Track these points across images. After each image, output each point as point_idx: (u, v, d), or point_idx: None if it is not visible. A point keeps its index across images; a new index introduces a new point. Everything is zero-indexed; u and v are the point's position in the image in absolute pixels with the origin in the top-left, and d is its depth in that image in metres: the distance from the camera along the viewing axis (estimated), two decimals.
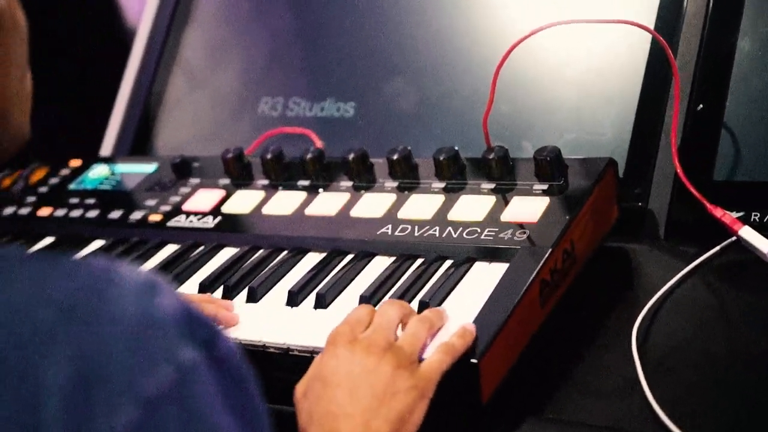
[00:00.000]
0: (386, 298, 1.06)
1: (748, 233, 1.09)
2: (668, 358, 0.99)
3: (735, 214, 1.12)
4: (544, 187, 1.14)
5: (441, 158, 1.20)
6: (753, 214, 1.13)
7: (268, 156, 1.31)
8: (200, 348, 0.61)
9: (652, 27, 1.23)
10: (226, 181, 1.34)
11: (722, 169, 1.17)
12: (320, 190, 1.26)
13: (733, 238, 1.11)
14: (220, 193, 1.32)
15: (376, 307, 0.99)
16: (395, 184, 1.23)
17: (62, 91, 2.01)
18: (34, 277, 0.60)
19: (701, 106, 1.20)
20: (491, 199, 1.15)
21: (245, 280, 1.15)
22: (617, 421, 0.92)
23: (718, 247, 1.11)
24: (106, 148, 1.63)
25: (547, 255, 1.04)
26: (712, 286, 1.08)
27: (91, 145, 1.68)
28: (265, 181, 1.32)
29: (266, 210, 1.26)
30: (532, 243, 1.07)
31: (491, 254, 1.08)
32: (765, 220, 1.12)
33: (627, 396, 0.94)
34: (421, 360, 0.93)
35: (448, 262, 1.10)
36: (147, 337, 0.59)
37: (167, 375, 0.58)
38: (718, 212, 1.12)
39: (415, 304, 1.03)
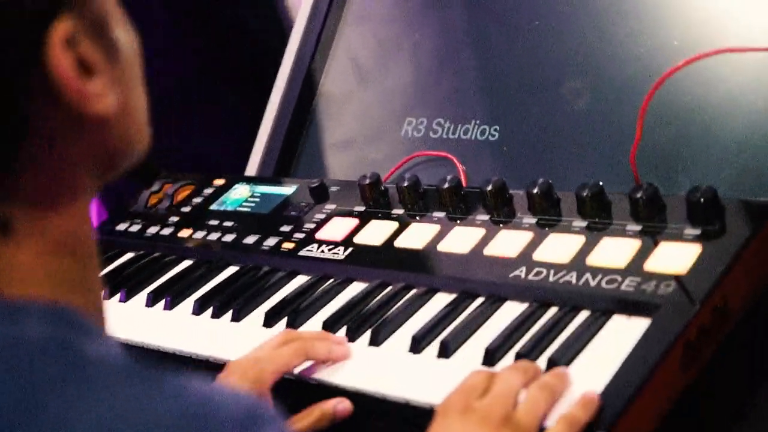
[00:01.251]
0: (513, 350, 0.97)
1: None
2: None
3: None
4: (697, 232, 1.02)
5: (584, 194, 1.11)
6: None
7: (405, 184, 1.24)
8: None
9: None
10: (361, 208, 1.29)
11: None
12: (456, 223, 1.19)
13: None
14: (353, 222, 1.26)
15: (499, 367, 0.91)
16: (534, 220, 1.14)
17: (215, 102, 2.01)
18: (125, 404, 0.57)
19: None
20: (636, 243, 1.04)
21: (369, 320, 1.09)
22: None
23: None
24: (252, 167, 1.60)
25: (695, 312, 0.93)
26: None
27: (241, 163, 1.65)
28: (401, 211, 1.25)
29: (398, 243, 1.20)
30: (678, 297, 0.96)
31: (632, 307, 0.98)
32: None
33: None
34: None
35: (583, 314, 1.00)
36: None
37: None
38: None
39: (543, 360, 0.94)
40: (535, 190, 1.14)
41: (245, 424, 0.57)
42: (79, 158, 0.67)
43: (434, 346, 1.02)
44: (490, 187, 1.17)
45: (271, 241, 1.30)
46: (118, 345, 0.67)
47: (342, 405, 1.00)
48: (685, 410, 0.91)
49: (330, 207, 1.32)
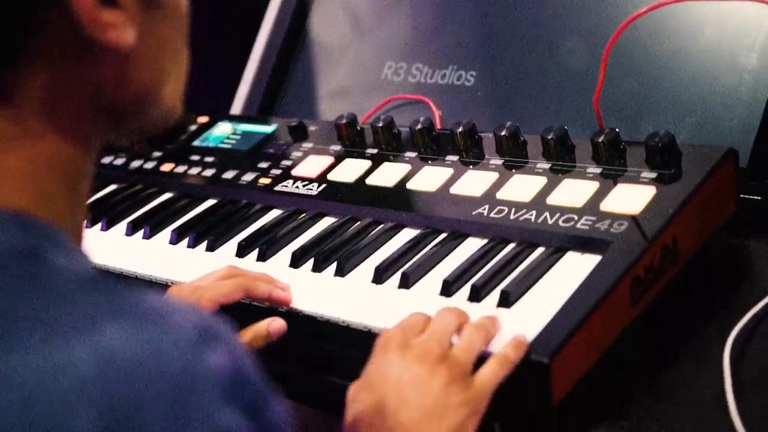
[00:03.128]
0: (469, 282, 1.00)
1: None
2: (763, 373, 0.89)
3: None
4: (653, 175, 1.05)
5: (549, 137, 1.13)
6: None
7: (379, 124, 1.27)
8: (245, 413, 0.56)
9: None
10: (337, 147, 1.31)
11: None
12: (427, 162, 1.21)
13: None
14: (329, 160, 1.29)
15: (455, 298, 0.93)
16: (501, 161, 1.16)
17: (205, 45, 2.02)
18: (84, 314, 0.57)
19: None
20: (595, 185, 1.07)
21: (336, 253, 1.12)
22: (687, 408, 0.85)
23: None
24: (237, 107, 1.62)
25: (643, 249, 0.96)
26: None
27: (225, 101, 1.67)
28: (375, 150, 1.27)
29: (370, 180, 1.22)
30: (630, 235, 0.98)
31: (585, 244, 1.01)
32: None
33: (709, 411, 0.86)
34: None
35: (539, 250, 1.03)
36: (184, 395, 0.54)
37: None
38: None
39: (497, 293, 0.97)
40: (502, 133, 1.16)
41: (190, 345, 0.56)
42: (88, 84, 0.67)
43: (396, 278, 1.05)
44: (460, 129, 1.20)
45: (248, 177, 1.32)
46: (89, 262, 0.67)
47: (275, 323, 1.02)
48: (631, 341, 0.94)
49: (308, 146, 1.34)
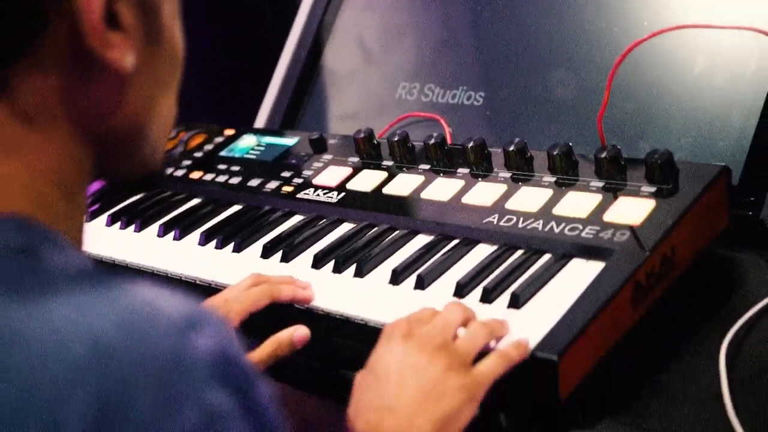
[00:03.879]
0: (481, 285, 0.99)
1: None
2: (757, 375, 0.88)
3: None
4: (652, 189, 1.04)
5: (555, 153, 1.12)
6: None
7: (395, 139, 1.26)
8: (232, 394, 0.54)
9: None
10: (355, 159, 1.30)
11: None
12: (439, 174, 1.20)
13: None
14: (347, 171, 1.27)
15: (468, 299, 0.92)
16: (509, 174, 1.15)
17: (232, 65, 2.02)
18: (78, 305, 0.55)
19: None
20: (598, 198, 1.05)
21: (355, 256, 1.10)
22: (691, 428, 0.83)
23: None
24: (261, 120, 1.61)
25: (645, 258, 0.95)
26: None
27: (251, 115, 1.66)
28: (390, 162, 1.26)
29: (386, 190, 1.21)
30: (630, 244, 0.97)
31: (590, 252, 0.99)
32: None
33: (706, 408, 0.85)
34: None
35: (546, 256, 1.02)
36: (174, 377, 0.53)
37: (191, 419, 0.52)
38: None
39: (507, 295, 0.96)
40: (511, 148, 1.15)
41: (177, 330, 0.55)
42: (86, 99, 0.64)
43: (412, 280, 1.03)
44: (471, 144, 1.19)
45: (272, 185, 1.31)
46: (87, 260, 0.64)
47: (299, 332, 1.00)
48: (632, 342, 0.93)
49: (327, 157, 1.33)
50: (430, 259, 1.07)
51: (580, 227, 1.02)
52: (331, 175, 1.28)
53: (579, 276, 0.96)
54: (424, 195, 1.17)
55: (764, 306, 0.95)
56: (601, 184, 1.08)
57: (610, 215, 1.02)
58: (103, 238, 1.31)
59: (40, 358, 0.52)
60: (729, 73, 1.16)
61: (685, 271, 1.00)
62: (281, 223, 1.24)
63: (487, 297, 0.97)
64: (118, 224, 1.34)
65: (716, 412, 0.84)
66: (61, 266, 0.60)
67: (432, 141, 1.22)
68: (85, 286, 0.58)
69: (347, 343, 1.02)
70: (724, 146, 1.13)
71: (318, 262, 1.11)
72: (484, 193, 1.13)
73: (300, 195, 1.26)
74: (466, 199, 1.13)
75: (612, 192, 1.06)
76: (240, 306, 1.02)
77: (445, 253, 1.07)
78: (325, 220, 1.21)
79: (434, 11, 1.48)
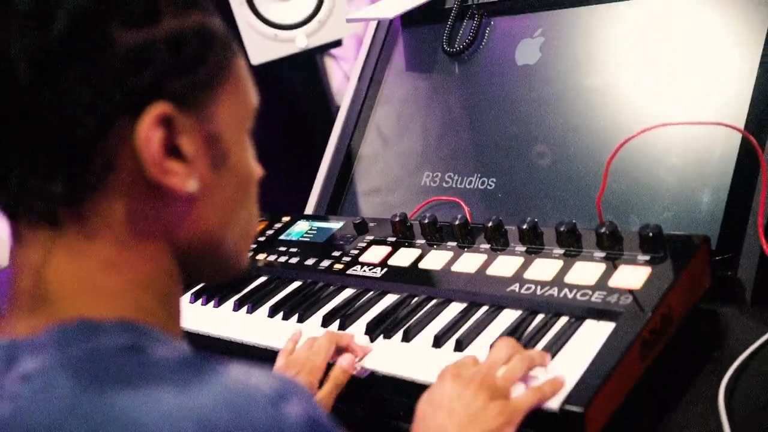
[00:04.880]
0: None
1: None
2: (753, 415, 0.84)
3: None
4: (647, 257, 1.00)
5: (561, 229, 1.09)
6: None
7: (425, 221, 1.23)
8: None
9: (742, 125, 1.08)
10: (392, 238, 1.27)
11: None
12: (465, 250, 1.17)
13: None
14: (387, 249, 1.24)
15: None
16: (524, 248, 1.12)
17: (284, 163, 2.01)
18: (181, 390, 0.53)
19: None
20: (602, 266, 1.02)
21: (401, 323, 1.07)
22: None
23: None
24: (310, 207, 1.59)
25: (648, 318, 0.91)
26: None
27: (302, 204, 1.64)
28: (422, 241, 1.23)
29: (421, 265, 1.18)
30: (635, 306, 0.94)
31: (600, 314, 0.96)
32: None
33: None
34: None
35: (563, 319, 0.98)
36: None
37: None
38: None
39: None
40: (524, 226, 1.12)
41: (271, 402, 0.52)
42: (162, 219, 0.61)
43: (451, 343, 1.00)
44: (490, 224, 1.15)
45: (325, 263, 1.28)
46: (186, 349, 0.62)
47: (344, 360, 0.98)
48: (642, 391, 0.89)
49: (369, 238, 1.30)
50: (464, 324, 1.03)
51: (590, 293, 0.99)
52: (374, 253, 1.25)
53: (593, 335, 0.93)
54: (454, 268, 1.14)
55: (753, 351, 0.91)
56: (603, 254, 1.04)
57: (614, 281, 0.99)
58: (188, 314, 1.28)
59: None
60: (701, 158, 1.13)
61: (679, 326, 0.96)
62: (335, 296, 1.21)
63: None
64: (200, 301, 1.31)
65: None
66: (164, 357, 0.57)
67: (457, 222, 1.19)
68: (187, 373, 0.55)
69: (398, 399, 0.98)
70: (700, 218, 1.10)
71: (370, 330, 1.08)
72: (505, 266, 1.10)
73: (349, 271, 1.23)
74: (490, 270, 1.10)
75: (612, 261, 1.03)
76: (317, 362, 0.99)
77: (477, 319, 1.03)
78: (372, 292, 1.18)
79: (452, 110, 1.46)
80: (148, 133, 0.58)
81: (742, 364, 0.90)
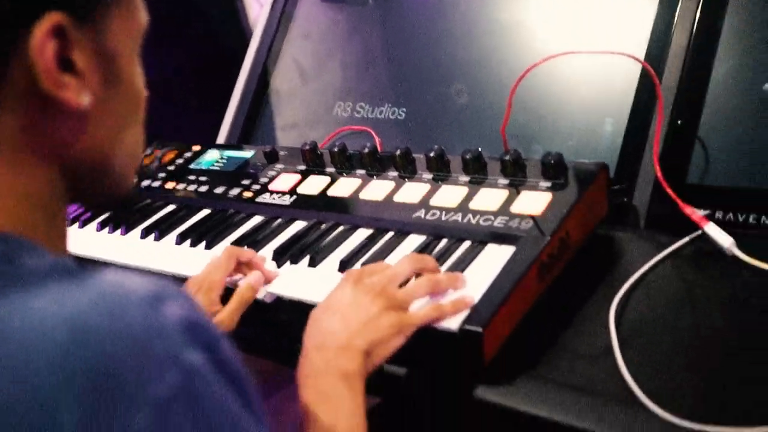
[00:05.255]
0: None
1: (712, 229, 0.97)
2: (640, 330, 0.88)
3: (702, 212, 1.00)
4: (549, 184, 1.03)
5: (467, 157, 1.10)
6: (717, 212, 1.00)
7: (335, 149, 1.22)
8: (203, 352, 0.51)
9: (642, 57, 1.10)
10: (302, 167, 1.26)
11: (694, 175, 1.05)
12: (373, 178, 1.17)
13: (699, 232, 0.99)
14: (297, 177, 1.24)
15: None
16: (431, 176, 1.13)
17: (196, 91, 1.95)
18: (53, 296, 0.51)
19: (680, 122, 1.07)
20: (505, 193, 1.04)
21: (308, 249, 1.07)
22: (590, 380, 0.82)
23: (686, 239, 0.99)
24: (222, 136, 1.56)
25: (546, 241, 0.93)
26: (681, 270, 0.96)
27: (212, 133, 1.61)
28: (332, 169, 1.23)
29: (330, 192, 1.17)
30: (535, 230, 0.96)
31: (502, 238, 0.98)
32: (727, 218, 1.00)
33: (600, 362, 0.84)
34: None
35: (466, 243, 1.00)
36: (154, 345, 0.49)
37: (175, 378, 0.48)
38: (688, 210, 1.00)
39: None
40: (431, 154, 1.13)
41: (147, 304, 0.51)
42: (51, 134, 0.59)
43: (356, 267, 1.00)
44: (398, 152, 1.16)
45: (235, 191, 1.26)
46: (66, 260, 0.58)
47: (252, 277, 0.98)
48: (539, 311, 0.92)
49: (279, 166, 1.29)
50: (371, 249, 1.04)
51: (493, 218, 1.00)
52: (284, 181, 1.24)
53: (495, 259, 0.95)
54: (362, 195, 1.14)
55: (642, 274, 0.95)
56: (506, 181, 1.06)
57: (516, 207, 1.01)
58: (95, 242, 1.25)
59: (24, 349, 0.47)
60: (602, 89, 1.16)
61: (577, 250, 0.99)
62: (244, 223, 1.20)
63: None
64: (107, 229, 1.28)
65: (609, 364, 0.83)
66: (36, 266, 0.55)
67: (366, 150, 1.19)
68: (60, 280, 0.53)
69: (304, 323, 0.98)
70: (600, 147, 1.13)
71: (277, 256, 1.07)
72: (412, 193, 1.10)
73: (258, 199, 1.22)
74: (397, 198, 1.11)
75: (516, 188, 1.04)
76: (217, 276, 0.99)
77: (383, 244, 1.04)
78: (280, 219, 1.17)
79: (366, 43, 1.44)
80: (41, 43, 0.56)
81: (632, 286, 0.94)
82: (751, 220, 0.98)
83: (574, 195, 0.99)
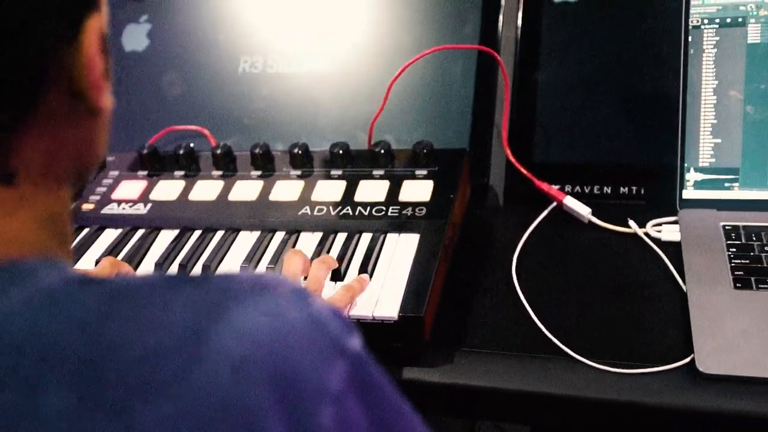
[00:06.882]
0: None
1: (570, 201, 1.08)
2: (536, 286, 0.96)
3: (554, 187, 1.11)
4: (425, 172, 1.07)
5: (336, 151, 1.10)
6: (566, 186, 1.12)
7: (181, 151, 1.14)
8: (357, 337, 0.50)
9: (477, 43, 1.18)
10: (144, 172, 1.16)
11: (540, 154, 1.16)
12: (232, 178, 1.12)
13: (554, 204, 1.10)
14: (143, 183, 1.14)
15: None
16: (299, 172, 1.11)
17: None
18: (179, 307, 0.45)
19: (520, 105, 1.17)
20: (386, 183, 1.06)
21: (195, 258, 1.00)
22: (518, 344, 0.89)
23: (546, 211, 1.10)
24: None
25: (445, 225, 0.98)
26: (552, 236, 1.06)
27: None
28: (182, 172, 1.15)
29: (192, 197, 1.10)
30: (432, 216, 1.00)
31: (399, 227, 1.00)
32: (575, 191, 1.12)
33: (523, 324, 0.91)
34: None
35: (366, 235, 1.00)
36: (319, 338, 0.46)
37: (344, 367, 0.47)
38: (545, 186, 1.10)
39: (356, 266, 0.94)
40: (295, 150, 1.11)
41: (299, 293, 0.48)
42: (73, 147, 0.53)
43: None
44: (257, 150, 1.12)
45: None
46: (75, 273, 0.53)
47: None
48: (450, 287, 0.96)
49: (114, 173, 1.17)
50: (264, 251, 1.00)
51: (384, 208, 1.02)
52: (129, 189, 1.13)
53: (401, 247, 0.96)
54: (231, 197, 1.08)
55: (523, 244, 1.03)
56: (382, 172, 1.08)
57: (403, 196, 1.03)
58: None
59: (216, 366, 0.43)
60: (455, 81, 1.22)
61: (461, 229, 1.05)
62: (96, 240, 1.07)
63: (336, 275, 0.94)
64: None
65: (530, 327, 0.90)
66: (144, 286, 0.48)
67: (219, 151, 1.13)
68: (163, 288, 0.47)
69: None
70: (450, 135, 1.19)
71: (158, 266, 0.98)
72: (287, 190, 1.08)
73: (105, 210, 1.10)
74: (274, 196, 1.07)
75: (395, 177, 1.07)
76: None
77: (279, 245, 1.01)
78: (143, 230, 1.07)
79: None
80: (94, 52, 0.48)
81: (520, 253, 1.02)
82: (595, 191, 1.12)
83: (453, 179, 1.05)
